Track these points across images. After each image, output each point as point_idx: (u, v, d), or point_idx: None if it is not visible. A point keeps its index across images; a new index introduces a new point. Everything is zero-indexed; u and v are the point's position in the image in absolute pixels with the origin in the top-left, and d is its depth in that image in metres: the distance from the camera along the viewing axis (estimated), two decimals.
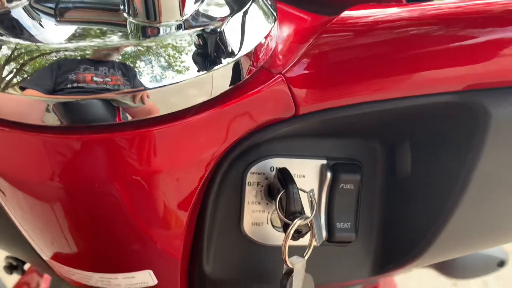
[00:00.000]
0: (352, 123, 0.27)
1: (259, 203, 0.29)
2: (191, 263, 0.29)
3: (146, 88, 0.19)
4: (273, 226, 0.29)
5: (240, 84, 0.21)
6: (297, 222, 0.25)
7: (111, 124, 0.19)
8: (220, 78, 0.20)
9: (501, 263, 0.62)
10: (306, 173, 0.29)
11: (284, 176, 0.26)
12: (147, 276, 0.26)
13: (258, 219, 0.29)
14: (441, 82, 0.23)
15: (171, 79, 0.19)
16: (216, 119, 0.21)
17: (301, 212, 0.26)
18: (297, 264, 0.26)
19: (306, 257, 0.27)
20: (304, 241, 0.30)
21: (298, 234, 0.26)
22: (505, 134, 0.24)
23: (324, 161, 0.29)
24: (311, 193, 0.27)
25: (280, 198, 0.27)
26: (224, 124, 0.22)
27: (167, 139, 0.20)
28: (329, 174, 0.29)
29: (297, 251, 0.29)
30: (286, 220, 0.26)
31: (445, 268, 0.63)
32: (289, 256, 0.27)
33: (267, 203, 0.29)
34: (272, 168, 0.29)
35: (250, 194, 0.29)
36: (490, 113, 0.23)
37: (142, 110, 0.19)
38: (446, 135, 0.26)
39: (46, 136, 0.19)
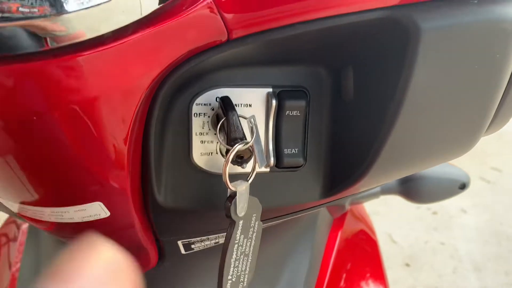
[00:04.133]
0: (292, 47, 0.27)
1: (207, 133, 0.29)
2: (144, 193, 0.29)
3: (70, 11, 0.19)
4: (222, 155, 0.30)
5: (169, 3, 0.21)
6: (237, 147, 0.26)
7: (35, 53, 0.19)
8: None
9: (463, 186, 0.65)
10: (253, 102, 0.30)
11: (225, 104, 0.27)
12: (98, 208, 0.27)
13: (207, 149, 0.30)
14: None
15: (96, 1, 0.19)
16: (145, 42, 0.21)
17: (242, 138, 0.26)
18: (240, 187, 0.27)
19: (249, 181, 0.28)
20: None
21: (241, 159, 0.27)
22: (435, 48, 0.24)
23: (270, 89, 0.30)
24: (251, 119, 0.27)
25: (222, 126, 0.27)
26: (154, 47, 0.22)
27: (95, 65, 0.20)
28: (274, 102, 0.29)
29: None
30: (227, 146, 0.26)
31: (411, 194, 0.66)
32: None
33: (215, 134, 0.29)
34: (217, 99, 0.29)
35: (197, 125, 0.29)
36: (419, 27, 0.23)
37: (67, 35, 0.19)
38: (383, 55, 0.26)
39: None
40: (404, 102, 0.25)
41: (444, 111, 0.27)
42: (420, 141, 0.28)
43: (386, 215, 2.04)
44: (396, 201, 2.09)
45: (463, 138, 0.30)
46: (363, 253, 0.63)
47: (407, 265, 1.81)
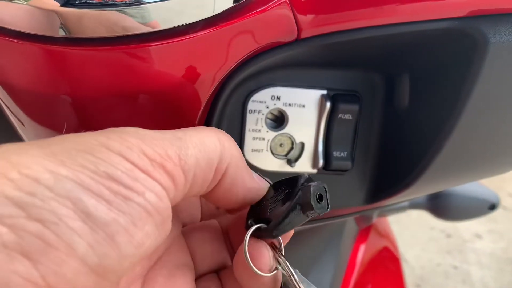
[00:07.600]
0: (353, 51, 0.27)
1: (259, 130, 0.30)
2: None
3: (148, 2, 0.19)
4: (272, 153, 0.31)
5: (243, 2, 0.22)
6: None
7: (114, 37, 0.20)
8: None
9: (492, 207, 0.64)
10: (306, 103, 0.30)
11: None
12: None
13: (258, 145, 0.30)
14: (444, 7, 0.23)
15: None
16: (217, 38, 0.22)
17: None
18: None
19: None
20: (301, 168, 0.31)
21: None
22: (501, 61, 0.24)
23: (325, 92, 0.30)
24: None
25: None
26: (226, 43, 0.22)
27: (166, 56, 0.21)
28: (328, 104, 0.30)
29: None
30: None
31: (439, 211, 0.66)
32: None
33: (267, 131, 0.30)
34: (273, 97, 0.29)
35: (251, 122, 0.29)
36: (488, 39, 0.23)
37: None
38: (444, 65, 0.26)
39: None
40: (463, 114, 0.26)
41: (501, 125, 0.27)
42: (472, 153, 0.28)
43: (398, 234, 2.01)
44: (409, 221, 2.07)
45: None
46: (386, 270, 0.62)
47: (418, 286, 1.79)
